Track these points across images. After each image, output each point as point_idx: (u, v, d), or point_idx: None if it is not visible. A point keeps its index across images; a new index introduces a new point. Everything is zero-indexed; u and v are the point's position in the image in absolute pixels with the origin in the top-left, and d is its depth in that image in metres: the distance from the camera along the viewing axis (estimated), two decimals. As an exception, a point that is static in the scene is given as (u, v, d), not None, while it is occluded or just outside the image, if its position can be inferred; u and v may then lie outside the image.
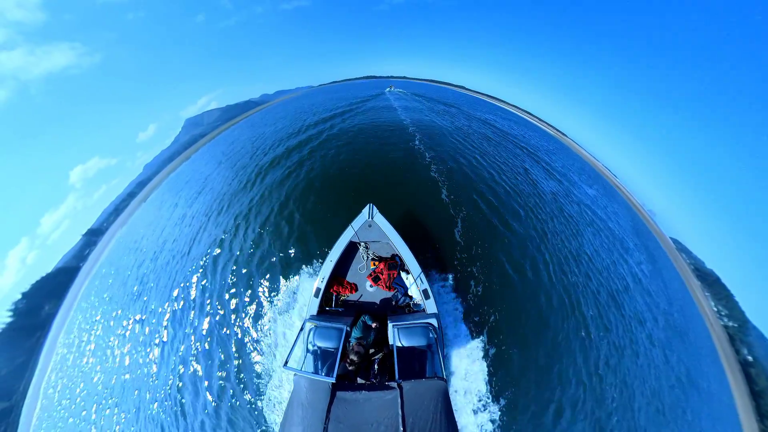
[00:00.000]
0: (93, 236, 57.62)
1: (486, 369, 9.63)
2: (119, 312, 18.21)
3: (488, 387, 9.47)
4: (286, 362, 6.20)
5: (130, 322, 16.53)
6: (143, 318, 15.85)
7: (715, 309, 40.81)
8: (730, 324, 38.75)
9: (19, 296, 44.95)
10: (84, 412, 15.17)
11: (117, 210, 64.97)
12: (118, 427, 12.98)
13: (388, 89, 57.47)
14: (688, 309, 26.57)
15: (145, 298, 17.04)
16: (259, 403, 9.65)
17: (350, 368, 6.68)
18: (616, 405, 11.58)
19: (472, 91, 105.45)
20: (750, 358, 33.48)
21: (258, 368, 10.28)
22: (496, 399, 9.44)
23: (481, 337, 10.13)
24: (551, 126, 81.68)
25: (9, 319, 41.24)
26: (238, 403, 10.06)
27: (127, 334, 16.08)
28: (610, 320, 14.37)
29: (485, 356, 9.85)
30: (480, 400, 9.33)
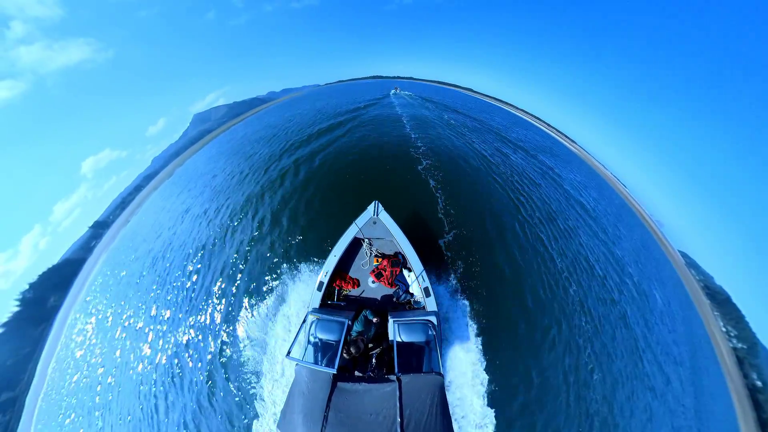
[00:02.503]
0: (99, 228, 58.18)
1: (483, 372, 9.67)
2: (122, 305, 18.34)
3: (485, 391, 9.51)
4: (289, 352, 6.39)
5: (133, 314, 16.69)
6: (145, 311, 16.02)
7: (724, 329, 38.52)
8: (739, 346, 36.45)
9: (27, 286, 45.51)
10: (86, 404, 15.32)
11: (123, 203, 65.50)
12: (120, 418, 13.15)
13: (393, 92, 55.16)
14: (696, 329, 25.56)
15: (148, 292, 17.18)
16: (260, 392, 9.81)
17: (347, 357, 6.84)
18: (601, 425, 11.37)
19: (479, 93, 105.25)
20: (759, 383, 31.30)
21: (260, 358, 10.43)
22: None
23: (480, 338, 10.20)
24: (552, 127, 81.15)
25: (17, 309, 41.75)
26: (239, 391, 10.23)
27: (130, 326, 16.25)
28: (609, 336, 14.17)
29: (482, 356, 9.91)
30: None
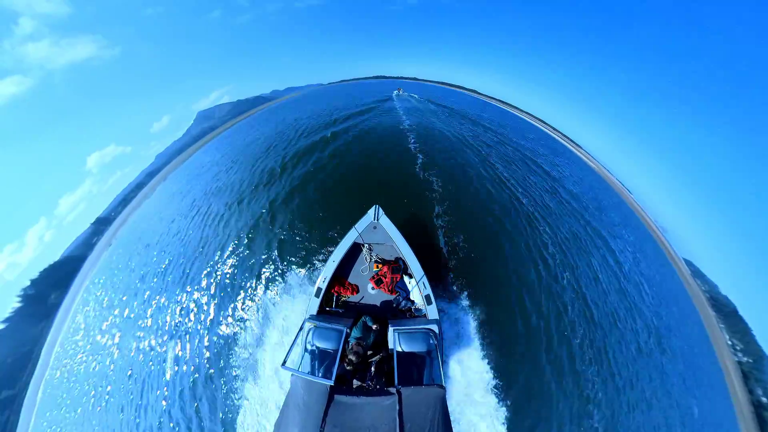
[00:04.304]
0: (101, 225, 58.34)
1: (488, 383, 9.44)
2: (122, 303, 18.34)
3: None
4: (284, 362, 6.16)
5: (132, 313, 16.67)
6: (144, 310, 15.96)
7: (730, 343, 36.70)
8: (745, 360, 34.73)
9: (28, 282, 45.67)
10: (85, 402, 15.33)
11: (126, 200, 65.67)
12: (118, 417, 13.07)
13: (395, 93, 52.37)
14: (701, 342, 24.72)
15: (146, 291, 17.16)
16: (253, 402, 9.63)
17: (348, 368, 6.64)
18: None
19: (484, 95, 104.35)
20: (764, 399, 29.62)
21: (254, 366, 10.24)
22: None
23: (485, 348, 9.97)
24: (558, 131, 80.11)
25: (18, 305, 41.90)
26: (232, 401, 10.06)
27: (128, 325, 16.21)
28: (610, 344, 13.87)
29: (487, 367, 9.68)
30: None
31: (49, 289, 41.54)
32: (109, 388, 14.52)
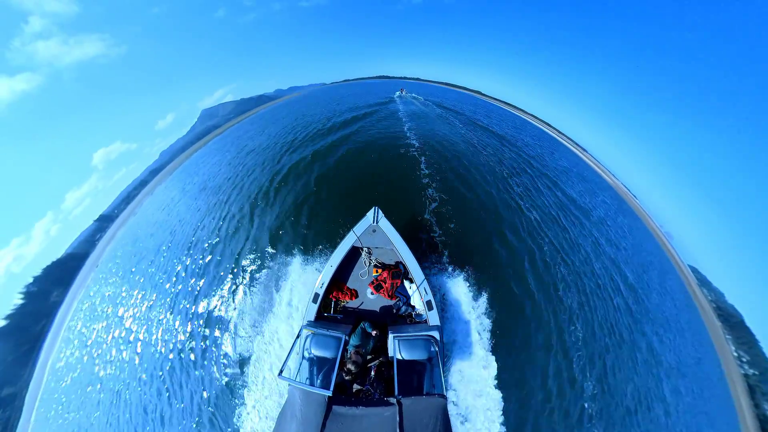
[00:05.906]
0: (104, 222, 58.58)
1: (491, 394, 9.13)
2: (123, 304, 18.29)
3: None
4: (281, 371, 5.99)
5: (133, 313, 16.61)
6: (145, 309, 15.93)
7: (736, 354, 35.56)
8: (751, 372, 33.53)
9: (31, 279, 45.88)
10: (85, 401, 15.41)
11: (129, 197, 65.92)
12: (118, 416, 13.09)
13: (398, 93, 50.91)
14: (706, 353, 24.06)
15: (146, 290, 17.14)
16: (250, 413, 9.39)
17: (347, 378, 6.48)
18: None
19: (488, 96, 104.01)
20: None
21: (249, 375, 10.02)
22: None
23: (488, 356, 9.76)
24: (562, 134, 79.63)
25: (21, 302, 42.10)
26: (228, 409, 9.91)
27: (128, 324, 16.17)
28: (613, 355, 13.58)
29: (490, 376, 9.46)
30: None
31: (52, 286, 41.69)
32: (108, 386, 14.50)
